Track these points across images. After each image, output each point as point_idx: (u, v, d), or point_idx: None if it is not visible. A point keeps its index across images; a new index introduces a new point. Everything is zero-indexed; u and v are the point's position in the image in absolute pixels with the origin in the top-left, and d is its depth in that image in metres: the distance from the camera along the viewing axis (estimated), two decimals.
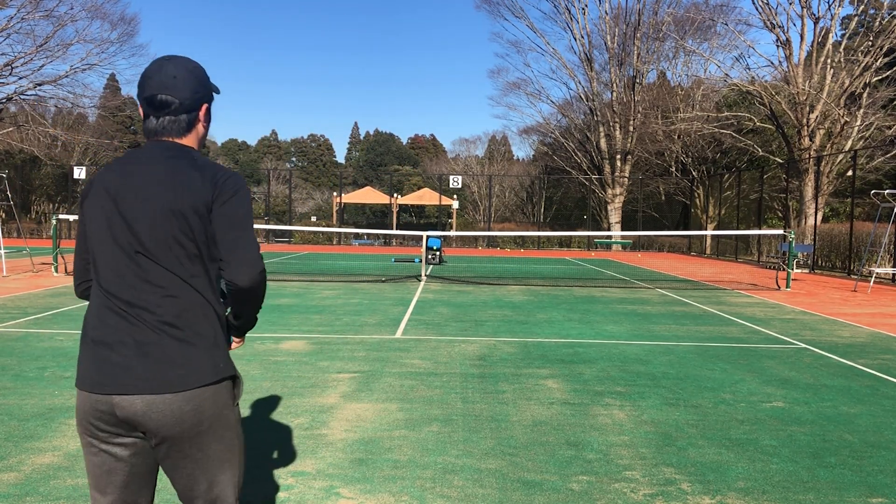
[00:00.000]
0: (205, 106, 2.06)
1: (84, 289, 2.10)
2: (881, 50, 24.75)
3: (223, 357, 1.98)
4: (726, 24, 30.55)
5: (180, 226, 1.89)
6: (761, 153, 29.10)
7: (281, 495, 3.52)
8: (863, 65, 24.96)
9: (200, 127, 2.07)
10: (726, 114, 30.29)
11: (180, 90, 1.99)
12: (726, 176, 34.39)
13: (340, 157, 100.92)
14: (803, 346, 8.20)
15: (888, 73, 25.48)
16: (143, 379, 1.87)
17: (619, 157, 38.63)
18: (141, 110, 2.05)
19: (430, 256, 20.82)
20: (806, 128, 25.82)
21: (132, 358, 1.87)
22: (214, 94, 2.12)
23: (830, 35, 26.51)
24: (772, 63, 28.44)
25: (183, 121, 2.01)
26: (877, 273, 16.80)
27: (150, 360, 1.87)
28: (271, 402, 5.21)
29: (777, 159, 29.06)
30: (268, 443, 4.30)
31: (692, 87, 34.82)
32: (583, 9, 38.77)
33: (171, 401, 1.87)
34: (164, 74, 1.98)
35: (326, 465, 3.94)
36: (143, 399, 1.86)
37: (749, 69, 29.86)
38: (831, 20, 26.18)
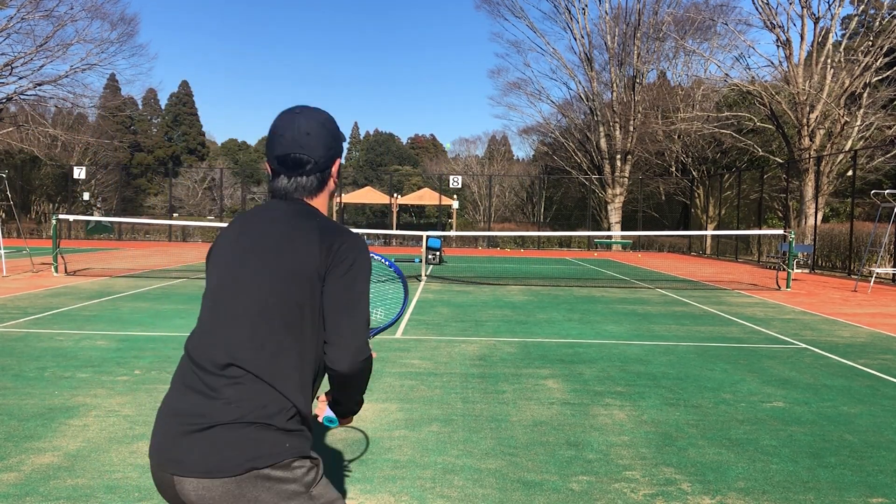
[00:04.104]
0: (337, 161, 1.94)
1: None
2: (881, 50, 24.74)
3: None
4: (726, 24, 30.57)
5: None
6: (761, 153, 29.10)
7: None
8: (863, 65, 24.95)
9: (332, 183, 1.95)
10: (726, 114, 30.28)
11: (314, 147, 1.86)
12: (726, 176, 34.38)
13: None
14: (803, 346, 8.20)
15: (888, 73, 25.47)
16: None
17: (619, 157, 38.63)
18: (269, 168, 1.92)
19: (430, 256, 20.81)
20: (806, 128, 25.81)
21: None
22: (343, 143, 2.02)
23: (830, 35, 26.51)
24: (772, 63, 28.45)
25: (314, 180, 1.89)
26: (877, 273, 16.79)
27: None
28: None
29: (777, 159, 29.06)
30: None
31: (692, 87, 34.81)
32: (583, 9, 38.79)
33: None
34: (296, 130, 1.85)
35: (326, 465, 3.94)
36: None
37: (749, 69, 29.90)
38: (831, 20, 26.18)
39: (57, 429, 4.48)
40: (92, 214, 40.62)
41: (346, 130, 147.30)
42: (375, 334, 2.00)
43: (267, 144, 1.91)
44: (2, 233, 16.36)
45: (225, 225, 1.94)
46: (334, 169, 1.93)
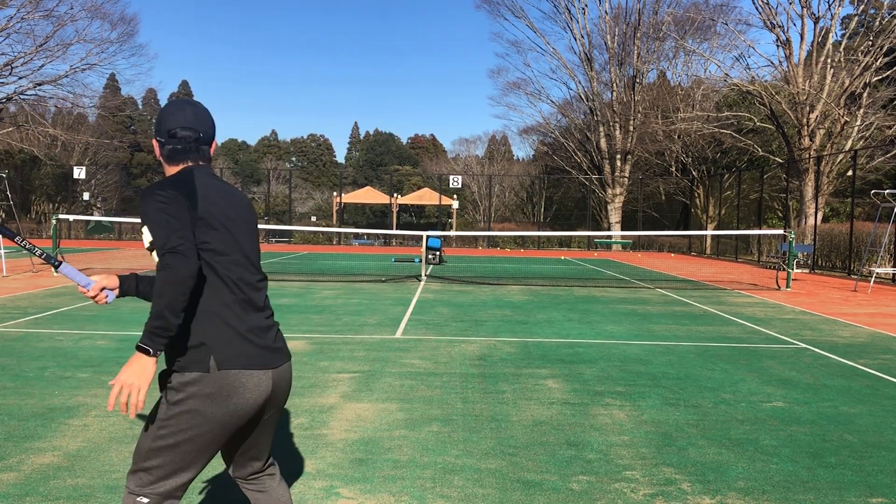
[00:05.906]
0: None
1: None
2: (881, 50, 24.74)
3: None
4: (726, 24, 30.56)
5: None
6: (761, 153, 29.10)
7: None
8: (863, 64, 24.95)
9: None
10: (726, 114, 30.29)
11: (202, 125, 2.41)
12: (726, 176, 34.39)
13: (340, 156, 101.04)
14: (803, 346, 8.20)
15: (888, 72, 25.48)
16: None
17: (619, 156, 38.63)
18: (155, 143, 2.41)
19: (430, 256, 20.80)
20: (806, 128, 25.81)
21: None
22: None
23: (830, 35, 26.52)
24: (772, 63, 28.47)
25: (205, 150, 2.44)
26: (877, 273, 16.79)
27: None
28: None
29: (777, 159, 29.06)
30: None
31: (692, 87, 34.81)
32: (583, 9, 38.80)
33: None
34: (186, 112, 2.39)
35: (326, 465, 3.94)
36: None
37: (749, 69, 29.89)
38: (831, 20, 26.19)
39: (57, 429, 4.48)
40: (92, 214, 40.63)
41: (346, 130, 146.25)
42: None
43: (162, 122, 2.43)
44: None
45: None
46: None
